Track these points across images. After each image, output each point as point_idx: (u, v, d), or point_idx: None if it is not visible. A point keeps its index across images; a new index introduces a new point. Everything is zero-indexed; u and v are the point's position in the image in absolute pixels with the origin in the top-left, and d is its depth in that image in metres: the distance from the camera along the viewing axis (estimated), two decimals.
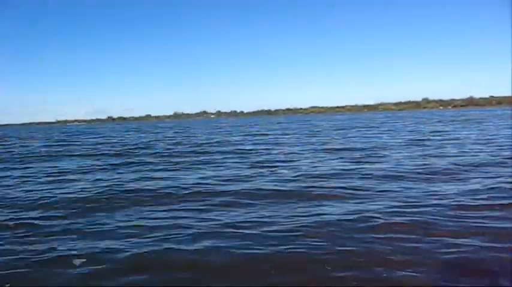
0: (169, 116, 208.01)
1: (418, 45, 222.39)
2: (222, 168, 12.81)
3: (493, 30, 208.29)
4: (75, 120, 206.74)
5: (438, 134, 24.43)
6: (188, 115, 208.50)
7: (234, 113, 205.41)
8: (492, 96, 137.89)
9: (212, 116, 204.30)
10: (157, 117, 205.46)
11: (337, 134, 28.58)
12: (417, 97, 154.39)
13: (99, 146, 25.86)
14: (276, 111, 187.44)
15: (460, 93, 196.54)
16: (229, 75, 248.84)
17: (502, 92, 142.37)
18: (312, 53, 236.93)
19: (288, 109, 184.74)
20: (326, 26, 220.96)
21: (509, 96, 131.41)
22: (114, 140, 32.09)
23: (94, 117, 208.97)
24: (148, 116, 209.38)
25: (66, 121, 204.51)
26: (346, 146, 18.40)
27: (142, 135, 40.31)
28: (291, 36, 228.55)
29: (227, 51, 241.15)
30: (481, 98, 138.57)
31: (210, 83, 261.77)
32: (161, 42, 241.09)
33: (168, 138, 31.67)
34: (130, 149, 22.16)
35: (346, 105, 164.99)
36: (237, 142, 24.40)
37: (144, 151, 20.66)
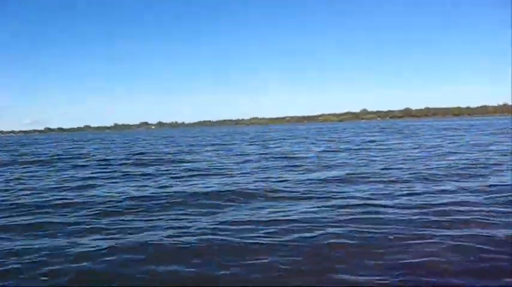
0: (109, 127, 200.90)
1: (358, 56, 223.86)
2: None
3: (429, 44, 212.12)
4: (11, 131, 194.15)
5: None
6: (129, 126, 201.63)
7: (175, 124, 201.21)
8: (428, 108, 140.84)
9: (153, 127, 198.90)
10: (97, 128, 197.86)
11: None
12: (356, 108, 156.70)
13: None
14: (218, 123, 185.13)
15: (397, 104, 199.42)
16: (172, 86, 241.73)
17: (437, 103, 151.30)
18: (255, 63, 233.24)
19: (230, 120, 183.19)
20: (264, 33, 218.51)
21: (443, 108, 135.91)
22: None
23: (31, 129, 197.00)
24: (87, 127, 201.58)
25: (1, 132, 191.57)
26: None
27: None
28: (231, 45, 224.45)
29: (170, 63, 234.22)
30: (417, 110, 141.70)
31: (151, 94, 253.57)
32: (103, 50, 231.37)
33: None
34: None
35: (286, 117, 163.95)
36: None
37: None
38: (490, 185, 9.02)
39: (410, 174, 11.22)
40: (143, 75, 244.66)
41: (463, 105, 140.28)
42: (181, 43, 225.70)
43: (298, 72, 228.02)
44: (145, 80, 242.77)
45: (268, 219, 6.79)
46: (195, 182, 11.27)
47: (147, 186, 10.95)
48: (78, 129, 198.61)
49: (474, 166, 12.48)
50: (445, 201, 7.67)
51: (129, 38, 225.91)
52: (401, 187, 9.32)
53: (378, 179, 10.56)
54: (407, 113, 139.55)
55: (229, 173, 13.16)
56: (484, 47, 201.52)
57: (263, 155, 19.01)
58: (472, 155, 15.53)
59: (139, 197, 9.26)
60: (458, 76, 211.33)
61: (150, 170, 14.82)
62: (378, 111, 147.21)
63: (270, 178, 11.61)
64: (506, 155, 15.04)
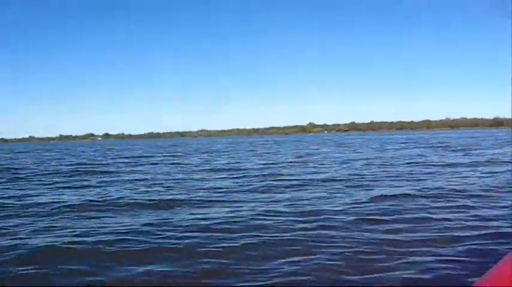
0: (54, 138, 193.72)
1: (306, 69, 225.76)
2: None
3: (374, 59, 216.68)
4: None
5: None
6: (74, 137, 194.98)
7: (121, 136, 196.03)
8: (373, 122, 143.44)
9: (99, 138, 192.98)
10: (41, 139, 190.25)
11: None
12: (303, 122, 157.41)
13: None
14: (164, 135, 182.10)
15: (343, 118, 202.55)
16: (119, 97, 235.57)
17: (382, 118, 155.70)
18: (204, 75, 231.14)
19: (177, 132, 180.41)
20: (214, 47, 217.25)
21: (388, 122, 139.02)
22: None
23: None
24: (32, 138, 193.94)
25: None
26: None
27: None
28: (180, 59, 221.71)
29: (117, 75, 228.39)
30: (362, 123, 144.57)
31: (98, 105, 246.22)
32: (48, 57, 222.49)
33: None
34: None
35: (234, 129, 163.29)
36: None
37: None
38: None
39: None
40: (90, 86, 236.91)
41: (407, 119, 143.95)
42: (130, 49, 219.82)
43: (247, 85, 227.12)
44: (93, 91, 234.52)
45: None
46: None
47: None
48: (23, 140, 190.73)
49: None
50: None
51: (77, 46, 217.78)
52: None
53: None
54: (353, 127, 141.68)
55: None
56: (428, 62, 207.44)
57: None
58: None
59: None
60: (404, 91, 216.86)
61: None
62: (324, 125, 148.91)
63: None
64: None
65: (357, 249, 5.58)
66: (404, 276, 4.63)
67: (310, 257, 5.30)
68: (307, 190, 11.14)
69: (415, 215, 7.54)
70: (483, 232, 6.23)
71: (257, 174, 15.40)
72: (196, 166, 20.67)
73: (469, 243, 5.70)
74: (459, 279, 4.47)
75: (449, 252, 5.40)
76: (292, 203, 9.06)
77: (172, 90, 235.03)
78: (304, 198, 9.64)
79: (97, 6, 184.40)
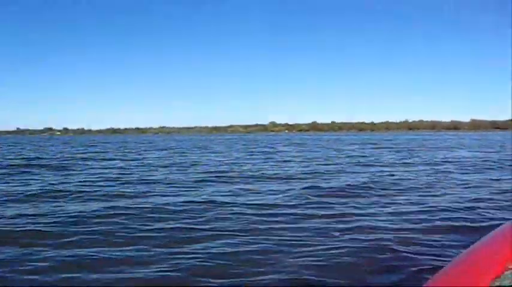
0: (11, 132, 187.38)
1: (267, 68, 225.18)
2: None
3: (337, 58, 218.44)
4: None
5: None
6: (32, 131, 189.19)
7: (81, 131, 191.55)
8: (334, 122, 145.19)
9: (58, 133, 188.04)
10: None
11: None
12: (265, 120, 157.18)
13: None
14: (125, 131, 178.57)
15: (305, 118, 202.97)
16: (79, 91, 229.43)
17: (342, 118, 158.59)
18: (168, 70, 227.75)
19: (137, 128, 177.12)
20: (171, 39, 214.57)
21: (348, 123, 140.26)
22: None
23: None
24: None
25: None
26: None
27: None
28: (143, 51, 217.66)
29: (80, 65, 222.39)
30: (323, 124, 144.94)
31: (57, 99, 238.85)
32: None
33: None
34: None
35: (196, 127, 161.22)
36: None
37: None
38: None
39: None
40: (49, 79, 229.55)
41: (367, 120, 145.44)
42: (91, 47, 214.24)
43: (208, 82, 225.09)
44: (51, 85, 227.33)
45: None
46: None
47: None
48: None
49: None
50: None
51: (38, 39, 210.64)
52: None
53: None
54: (314, 127, 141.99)
55: None
56: (388, 65, 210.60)
57: None
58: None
59: None
60: (364, 92, 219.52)
61: None
62: (286, 124, 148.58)
63: None
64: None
65: None
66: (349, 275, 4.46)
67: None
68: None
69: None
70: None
71: None
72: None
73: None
74: (409, 279, 4.34)
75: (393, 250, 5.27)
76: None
77: (134, 86, 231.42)
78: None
79: None
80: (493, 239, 1.95)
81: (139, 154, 26.40)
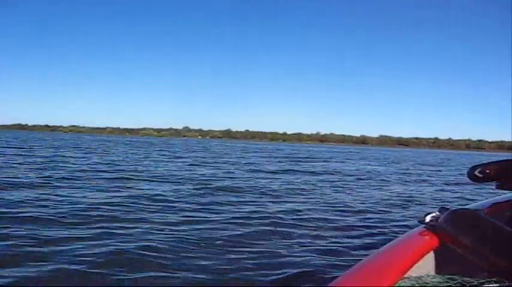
0: None
1: (185, 73, 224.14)
2: None
3: (250, 68, 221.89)
4: None
5: None
6: None
7: None
8: (247, 130, 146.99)
9: None
10: None
11: None
12: (179, 125, 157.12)
13: None
14: (34, 127, 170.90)
15: (219, 125, 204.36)
16: None
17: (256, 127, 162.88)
18: (81, 68, 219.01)
19: (47, 126, 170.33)
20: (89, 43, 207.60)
21: (262, 132, 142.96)
22: None
23: None
24: None
25: None
26: None
27: None
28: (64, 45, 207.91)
29: None
30: (237, 131, 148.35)
31: None
32: None
33: None
34: None
35: (107, 128, 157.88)
36: None
37: None
38: None
39: None
40: None
41: (281, 131, 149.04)
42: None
43: (123, 83, 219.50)
44: None
45: None
46: None
47: None
48: None
49: None
50: None
51: None
52: None
53: None
54: (227, 134, 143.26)
55: None
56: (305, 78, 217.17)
57: None
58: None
59: None
60: (277, 102, 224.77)
61: None
62: (199, 130, 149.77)
63: None
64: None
65: None
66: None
67: None
68: None
69: None
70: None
71: None
72: None
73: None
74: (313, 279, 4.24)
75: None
76: None
77: (43, 81, 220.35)
78: None
79: None
80: (393, 247, 2.00)
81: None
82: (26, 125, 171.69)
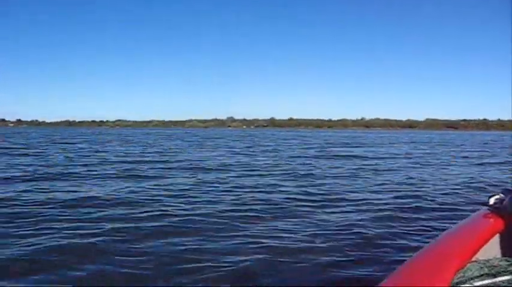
0: None
1: (226, 63, 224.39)
2: None
3: (294, 56, 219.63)
4: None
5: None
6: None
7: (36, 123, 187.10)
8: (291, 118, 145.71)
9: (11, 124, 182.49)
10: None
11: None
12: (223, 115, 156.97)
13: None
14: (81, 123, 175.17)
15: (264, 114, 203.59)
16: (30, 80, 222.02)
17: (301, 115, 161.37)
18: (124, 61, 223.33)
19: (94, 121, 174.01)
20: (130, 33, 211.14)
21: (307, 119, 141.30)
22: None
23: None
24: None
25: None
26: None
27: None
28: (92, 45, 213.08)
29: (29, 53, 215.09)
30: (281, 120, 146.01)
31: (10, 90, 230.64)
32: None
33: None
34: None
35: (153, 120, 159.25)
36: None
37: None
38: None
39: None
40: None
41: (325, 117, 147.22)
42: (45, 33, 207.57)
43: (166, 76, 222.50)
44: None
45: None
46: None
47: None
48: None
49: None
50: None
51: None
52: None
53: None
54: (271, 122, 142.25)
55: None
56: (347, 63, 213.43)
57: None
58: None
59: None
60: (322, 89, 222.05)
61: None
62: (244, 120, 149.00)
63: None
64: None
65: None
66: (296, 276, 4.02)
67: None
68: None
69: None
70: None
71: None
72: None
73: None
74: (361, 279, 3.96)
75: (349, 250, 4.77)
76: None
77: (89, 78, 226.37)
78: None
79: None
80: (459, 230, 1.96)
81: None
82: (74, 121, 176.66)
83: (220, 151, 22.37)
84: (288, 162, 15.41)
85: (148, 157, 17.37)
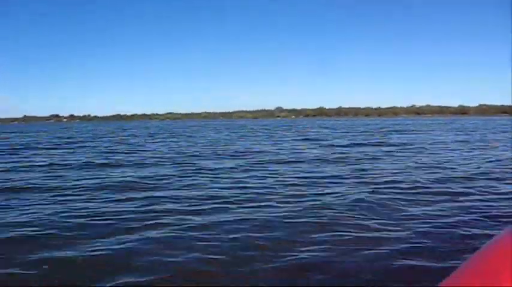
0: (17, 119, 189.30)
1: (275, 53, 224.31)
2: None
3: (342, 45, 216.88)
4: None
5: None
6: (38, 118, 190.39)
7: (88, 117, 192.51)
8: (340, 107, 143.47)
9: (65, 119, 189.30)
10: (3, 120, 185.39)
11: None
12: (271, 106, 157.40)
13: None
14: (132, 117, 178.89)
15: (312, 103, 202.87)
16: (84, 77, 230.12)
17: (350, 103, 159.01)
18: (163, 57, 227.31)
19: (144, 114, 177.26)
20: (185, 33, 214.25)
21: (355, 108, 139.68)
22: None
23: None
24: None
25: None
26: None
27: None
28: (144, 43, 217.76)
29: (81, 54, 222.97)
30: (330, 109, 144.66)
31: (63, 86, 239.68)
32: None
33: None
34: None
35: (203, 112, 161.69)
36: None
37: None
38: None
39: None
40: (56, 66, 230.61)
41: (374, 105, 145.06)
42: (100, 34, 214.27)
43: (212, 68, 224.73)
44: (58, 71, 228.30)
45: None
46: None
47: None
48: None
49: None
50: None
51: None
52: None
53: None
54: (320, 111, 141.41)
55: None
56: (398, 50, 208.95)
57: None
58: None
59: None
60: (371, 77, 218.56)
61: None
62: (293, 110, 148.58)
63: None
64: None
65: None
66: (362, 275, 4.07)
67: None
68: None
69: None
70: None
71: None
72: None
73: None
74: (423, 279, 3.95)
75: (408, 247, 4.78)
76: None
77: (137, 72, 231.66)
78: None
79: None
80: None
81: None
82: (125, 115, 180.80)
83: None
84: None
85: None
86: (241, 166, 11.84)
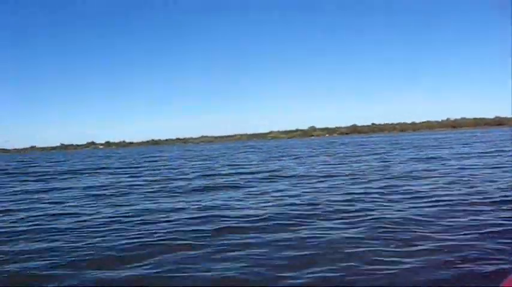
0: (55, 147, 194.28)
1: (305, 73, 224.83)
2: None
3: (372, 61, 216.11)
4: None
5: None
6: (76, 146, 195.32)
7: (123, 144, 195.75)
8: (374, 124, 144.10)
9: (101, 147, 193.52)
10: (42, 148, 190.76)
11: None
12: (305, 125, 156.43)
13: None
14: (167, 141, 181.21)
15: (345, 121, 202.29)
16: (119, 105, 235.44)
17: (383, 120, 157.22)
18: (199, 81, 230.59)
19: (178, 139, 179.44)
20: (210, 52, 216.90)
21: (389, 124, 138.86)
22: None
23: None
24: (33, 147, 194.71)
25: None
26: None
27: None
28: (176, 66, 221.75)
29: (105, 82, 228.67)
30: (363, 126, 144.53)
31: (99, 114, 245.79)
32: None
33: None
34: None
35: (236, 135, 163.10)
36: None
37: None
38: None
39: None
40: (87, 94, 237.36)
41: (409, 121, 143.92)
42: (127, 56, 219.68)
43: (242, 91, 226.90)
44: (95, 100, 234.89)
45: None
46: None
47: None
48: (24, 150, 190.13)
49: None
50: None
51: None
52: None
53: None
54: (353, 129, 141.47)
55: None
56: (426, 63, 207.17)
57: None
58: None
59: None
60: (403, 93, 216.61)
61: None
62: (326, 128, 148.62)
63: None
64: None
65: None
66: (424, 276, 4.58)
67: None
68: None
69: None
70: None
71: None
72: None
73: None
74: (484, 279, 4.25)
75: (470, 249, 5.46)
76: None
77: (169, 96, 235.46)
78: None
79: None
80: None
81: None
82: (159, 139, 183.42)
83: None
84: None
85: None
86: None
